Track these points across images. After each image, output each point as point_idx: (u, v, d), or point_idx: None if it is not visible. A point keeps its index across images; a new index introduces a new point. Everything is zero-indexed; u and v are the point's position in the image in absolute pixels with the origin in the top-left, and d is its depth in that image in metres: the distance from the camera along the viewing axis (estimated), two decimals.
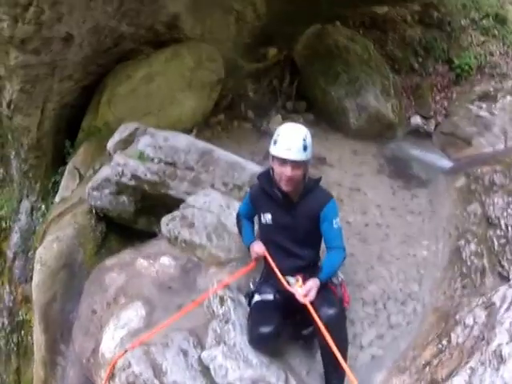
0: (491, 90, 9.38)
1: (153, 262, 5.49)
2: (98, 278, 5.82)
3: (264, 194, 4.72)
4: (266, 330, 4.22)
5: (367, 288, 5.36)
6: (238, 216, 5.14)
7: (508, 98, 9.11)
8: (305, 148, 4.35)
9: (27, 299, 7.83)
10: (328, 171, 7.38)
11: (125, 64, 7.77)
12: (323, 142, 8.09)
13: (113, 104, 7.62)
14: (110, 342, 4.90)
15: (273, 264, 4.55)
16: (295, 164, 4.35)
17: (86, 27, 6.89)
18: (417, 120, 9.30)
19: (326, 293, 4.34)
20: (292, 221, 4.58)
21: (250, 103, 8.63)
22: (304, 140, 4.36)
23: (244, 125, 8.46)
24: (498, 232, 5.61)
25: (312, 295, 4.17)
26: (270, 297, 4.54)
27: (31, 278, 7.38)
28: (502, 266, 5.11)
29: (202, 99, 7.96)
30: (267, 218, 4.68)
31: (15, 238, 8.35)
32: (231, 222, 5.42)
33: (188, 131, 7.15)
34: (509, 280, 4.67)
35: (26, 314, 7.88)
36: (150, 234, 6.11)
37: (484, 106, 9.06)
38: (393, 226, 6.53)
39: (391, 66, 10.00)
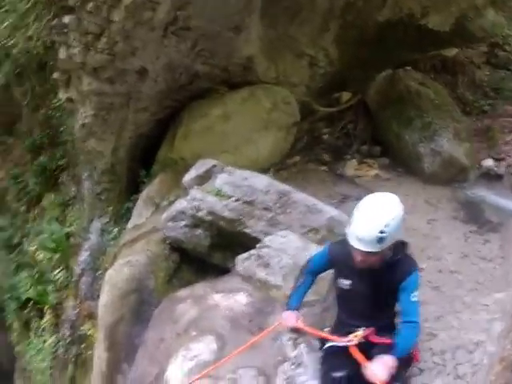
0: None
1: (227, 298, 5.39)
2: (168, 307, 5.78)
3: (345, 257, 4.20)
4: (338, 374, 4.02)
5: (437, 337, 5.11)
6: (305, 268, 4.71)
7: None
8: (380, 240, 3.82)
9: (91, 315, 7.85)
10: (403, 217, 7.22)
11: (201, 101, 7.78)
12: (398, 187, 7.90)
13: (189, 139, 7.64)
14: (177, 372, 4.85)
15: (314, 332, 4.37)
16: (366, 253, 3.91)
17: (160, 63, 6.93)
18: (488, 163, 8.96)
19: None
20: (371, 289, 4.18)
21: (325, 146, 8.58)
22: (382, 232, 3.80)
23: (319, 168, 8.35)
24: None
25: (384, 375, 3.72)
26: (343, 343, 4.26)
27: (98, 296, 7.38)
28: None
29: (278, 141, 7.94)
30: (345, 283, 4.27)
31: (85, 255, 8.40)
32: None
33: (264, 172, 7.06)
34: None
35: (88, 329, 7.91)
36: (223, 269, 6.04)
37: None
38: (465, 273, 6.33)
39: (462, 109, 9.84)
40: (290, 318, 4.43)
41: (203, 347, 4.92)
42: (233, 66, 7.63)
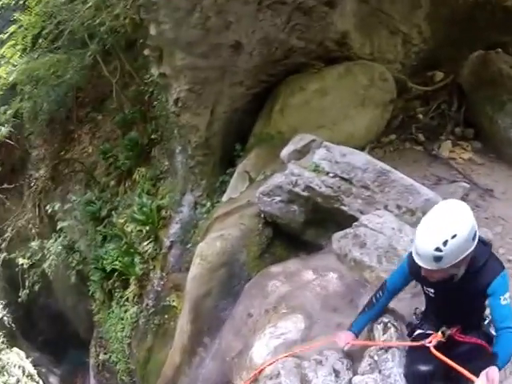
0: None
1: (319, 276, 5.33)
2: (260, 282, 5.75)
3: None
4: (424, 368, 3.92)
5: None
6: (380, 290, 4.33)
7: None
8: (437, 259, 3.48)
9: (177, 287, 8.01)
10: (494, 204, 6.98)
11: (297, 76, 7.74)
12: (490, 173, 7.72)
13: (286, 113, 7.59)
14: (262, 348, 4.82)
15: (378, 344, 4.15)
16: (426, 269, 3.64)
17: (255, 37, 6.91)
18: None
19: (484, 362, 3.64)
20: (456, 298, 3.90)
21: (420, 126, 8.34)
22: (438, 250, 3.44)
23: (415, 147, 8.16)
24: None
25: None
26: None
27: (186, 269, 7.48)
28: None
29: (375, 118, 7.79)
30: (430, 291, 4.03)
31: (175, 228, 8.57)
32: (402, 246, 5.12)
33: (360, 148, 6.94)
34: None
35: (173, 301, 8.07)
36: (315, 246, 5.99)
37: None
38: None
39: None
40: (343, 339, 4.22)
41: (291, 326, 4.88)
42: (328, 41, 7.53)
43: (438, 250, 3.42)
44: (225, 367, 5.52)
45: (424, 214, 5.63)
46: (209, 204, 8.04)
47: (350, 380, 4.01)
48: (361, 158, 6.02)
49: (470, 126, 8.61)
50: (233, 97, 7.57)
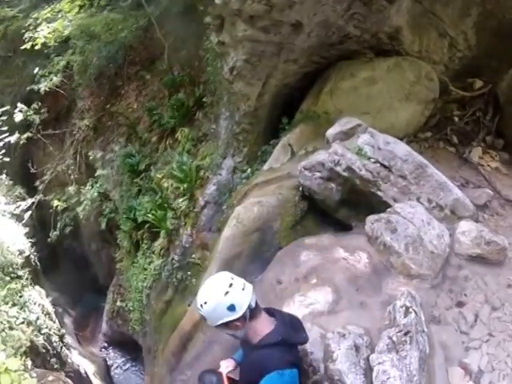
0: None
1: (349, 254, 5.39)
2: (293, 251, 5.79)
3: None
4: None
5: None
6: None
7: None
8: (204, 318, 3.80)
9: (204, 246, 8.09)
10: None
11: (349, 62, 7.75)
12: None
13: (335, 96, 7.59)
14: None
15: None
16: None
17: (315, 20, 6.84)
18: None
19: None
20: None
21: (455, 128, 8.29)
22: (200, 310, 3.76)
23: (448, 148, 8.11)
24: None
25: None
26: None
27: (217, 229, 7.62)
28: None
29: (416, 113, 7.81)
30: None
31: (211, 189, 8.59)
32: (428, 237, 5.23)
33: (398, 139, 6.78)
34: None
35: (198, 258, 8.09)
36: (345, 226, 6.07)
37: None
38: None
39: None
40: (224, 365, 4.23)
41: (320, 297, 4.98)
42: (381, 34, 7.53)
43: (200, 310, 3.75)
44: None
45: (452, 212, 5.80)
46: (249, 170, 8.09)
47: (368, 357, 4.12)
48: (403, 148, 6.07)
49: (500, 137, 8.55)
50: (285, 72, 7.59)
